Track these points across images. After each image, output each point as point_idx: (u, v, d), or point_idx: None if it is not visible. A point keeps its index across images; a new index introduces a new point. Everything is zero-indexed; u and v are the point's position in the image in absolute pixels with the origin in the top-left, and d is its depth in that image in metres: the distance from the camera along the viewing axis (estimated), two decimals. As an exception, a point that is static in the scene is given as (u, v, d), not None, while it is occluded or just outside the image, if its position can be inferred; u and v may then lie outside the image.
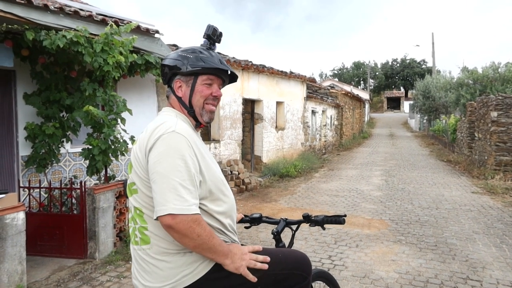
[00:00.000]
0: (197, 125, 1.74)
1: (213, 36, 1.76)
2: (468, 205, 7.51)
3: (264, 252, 1.71)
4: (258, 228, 5.64)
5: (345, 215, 2.10)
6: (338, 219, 2.08)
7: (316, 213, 6.71)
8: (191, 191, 1.46)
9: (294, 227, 2.21)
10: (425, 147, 20.89)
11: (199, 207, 1.51)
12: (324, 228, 2.17)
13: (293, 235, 2.20)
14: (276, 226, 2.13)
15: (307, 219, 2.14)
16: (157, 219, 1.46)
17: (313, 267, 1.93)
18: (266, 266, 1.62)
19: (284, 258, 1.75)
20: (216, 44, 1.79)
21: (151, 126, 1.58)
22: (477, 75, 16.72)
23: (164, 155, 1.46)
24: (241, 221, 2.20)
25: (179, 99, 1.71)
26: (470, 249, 5.01)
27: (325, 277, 2.35)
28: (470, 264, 4.52)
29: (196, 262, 1.54)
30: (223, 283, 1.57)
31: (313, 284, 2.28)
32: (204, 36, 1.77)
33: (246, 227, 2.27)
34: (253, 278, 1.58)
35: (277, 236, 2.08)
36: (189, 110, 1.70)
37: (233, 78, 1.84)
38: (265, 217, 2.23)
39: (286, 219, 2.18)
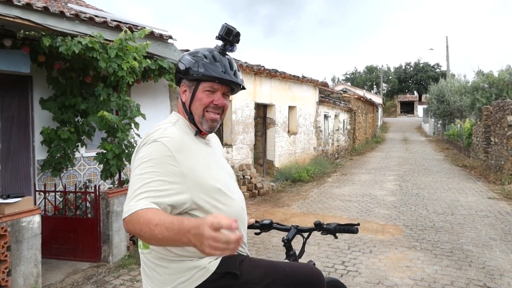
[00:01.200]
0: (197, 132, 1.64)
1: (227, 37, 1.62)
2: (484, 210, 7.37)
3: (268, 266, 1.62)
4: (270, 233, 5.62)
5: (358, 224, 2.02)
6: (351, 228, 2.00)
7: (329, 218, 6.68)
8: (147, 191, 1.35)
9: (305, 234, 2.15)
10: (440, 151, 20.60)
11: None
12: (336, 237, 2.11)
13: (304, 243, 2.14)
14: (287, 233, 2.08)
15: (319, 227, 2.08)
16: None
17: (324, 275, 1.83)
18: (225, 253, 1.17)
19: (293, 273, 1.62)
20: (236, 44, 1.66)
21: (145, 134, 1.59)
22: (492, 78, 16.48)
23: (140, 162, 1.44)
24: (251, 227, 2.13)
25: (183, 104, 1.65)
26: (487, 256, 4.91)
27: (337, 286, 2.29)
28: (487, 271, 4.43)
29: (193, 270, 1.48)
30: None
31: None
32: (217, 37, 1.63)
33: (257, 234, 2.22)
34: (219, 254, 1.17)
35: (287, 243, 2.03)
36: (189, 116, 1.63)
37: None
38: (275, 223, 2.18)
39: (297, 226, 2.12)
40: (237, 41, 1.65)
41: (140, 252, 1.60)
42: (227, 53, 1.67)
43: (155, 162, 1.42)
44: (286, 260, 2.02)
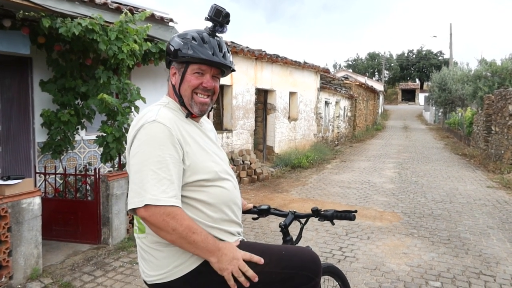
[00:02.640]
0: (187, 115, 1.64)
1: (217, 18, 1.59)
2: (482, 199, 7.41)
3: (263, 249, 1.61)
4: (268, 219, 5.65)
5: (355, 211, 2.00)
6: (348, 215, 1.98)
7: (327, 205, 6.72)
8: (171, 181, 1.41)
9: (302, 220, 2.15)
10: (440, 140, 20.60)
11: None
12: (333, 223, 2.09)
13: (301, 229, 2.13)
14: (284, 219, 2.08)
15: (316, 213, 2.07)
16: (132, 210, 1.42)
17: (322, 261, 1.84)
18: (247, 284, 1.48)
19: (289, 256, 1.62)
20: (226, 26, 1.63)
21: (136, 118, 1.57)
22: (495, 67, 16.37)
23: (144, 145, 1.43)
24: (249, 212, 2.14)
25: (173, 86, 1.64)
26: (484, 244, 4.95)
27: (333, 271, 2.30)
28: (484, 259, 4.47)
29: (188, 253, 1.49)
30: (217, 277, 1.49)
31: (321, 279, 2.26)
32: (206, 18, 1.61)
33: (254, 218, 2.22)
34: (233, 286, 1.47)
35: (284, 229, 2.03)
36: (179, 99, 1.63)
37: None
38: (273, 209, 2.18)
39: (295, 212, 2.12)
40: (227, 22, 1.63)
41: (136, 236, 1.62)
42: (217, 34, 1.64)
43: (163, 144, 1.43)
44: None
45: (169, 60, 1.66)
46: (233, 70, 1.72)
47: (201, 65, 1.59)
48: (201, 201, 1.53)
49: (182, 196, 1.48)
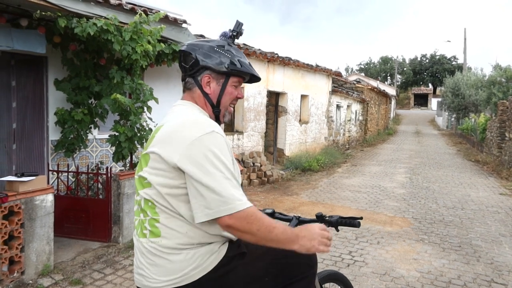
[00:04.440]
0: (219, 123, 1.68)
1: (238, 34, 1.71)
2: (495, 206, 7.30)
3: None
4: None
5: (361, 218, 1.96)
6: (353, 222, 1.92)
7: (337, 208, 6.69)
8: (239, 188, 1.45)
9: None
10: (452, 146, 20.36)
11: None
12: (338, 230, 2.04)
13: None
14: (288, 223, 2.05)
15: (320, 219, 2.03)
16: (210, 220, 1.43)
17: (327, 268, 1.87)
18: (328, 250, 1.60)
19: (291, 251, 1.70)
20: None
21: (178, 123, 1.51)
22: (510, 73, 16.14)
23: (211, 157, 1.41)
24: None
25: (206, 95, 1.63)
26: (495, 252, 4.87)
27: (338, 278, 2.27)
28: (495, 267, 4.40)
29: (206, 255, 1.49)
30: (233, 277, 1.53)
31: (325, 286, 2.22)
32: (231, 32, 1.69)
33: None
34: (327, 249, 1.59)
35: None
36: (215, 110, 1.65)
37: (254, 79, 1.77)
38: (278, 213, 2.16)
39: (299, 217, 2.09)
40: (238, 38, 1.74)
41: (144, 241, 1.52)
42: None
43: (227, 154, 1.46)
44: None
45: (200, 67, 1.61)
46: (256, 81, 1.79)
47: (241, 78, 1.66)
48: None
49: None
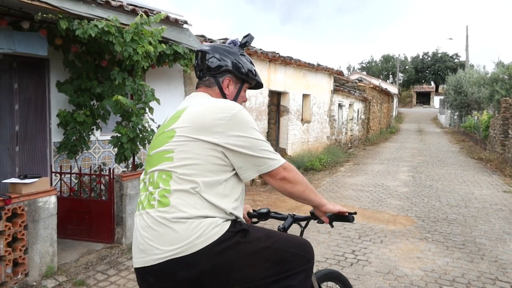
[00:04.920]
0: None
1: (247, 45, 1.92)
2: (499, 204, 7.27)
3: (267, 230, 1.76)
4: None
5: (355, 213, 1.95)
6: (346, 217, 1.92)
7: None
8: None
9: (303, 223, 2.12)
10: (455, 143, 20.29)
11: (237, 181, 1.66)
12: (332, 226, 2.01)
13: (301, 232, 2.10)
14: (283, 222, 2.06)
15: (314, 215, 2.01)
16: (260, 175, 1.65)
17: (325, 267, 1.90)
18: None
19: (288, 238, 1.81)
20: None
21: (211, 104, 1.66)
22: (513, 70, 16.06)
23: (250, 125, 1.63)
24: (248, 215, 2.14)
25: (224, 96, 1.81)
26: (500, 250, 4.85)
27: (336, 277, 2.26)
28: (500, 265, 4.38)
29: (210, 225, 1.52)
30: (238, 251, 1.57)
31: (324, 285, 2.21)
32: (244, 42, 1.91)
33: (254, 222, 2.18)
34: (343, 210, 1.88)
35: (283, 232, 1.99)
36: None
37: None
38: (273, 212, 2.16)
39: (294, 215, 2.10)
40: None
41: (151, 212, 1.56)
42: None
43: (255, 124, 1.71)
44: None
45: (224, 70, 1.80)
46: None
47: (249, 84, 1.91)
48: (241, 184, 1.70)
49: (234, 176, 1.65)
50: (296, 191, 1.71)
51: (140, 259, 1.56)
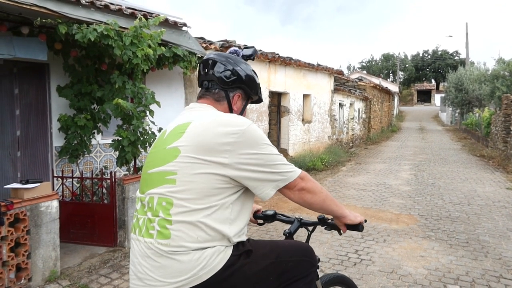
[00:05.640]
0: None
1: (252, 58, 1.87)
2: (502, 201, 7.25)
3: (271, 243, 1.73)
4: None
5: (365, 221, 1.90)
6: (356, 226, 1.84)
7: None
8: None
9: (309, 228, 2.07)
10: (457, 141, 20.25)
11: (240, 199, 1.55)
12: (340, 233, 1.96)
13: (308, 237, 2.06)
14: (290, 226, 2.01)
15: (322, 221, 1.97)
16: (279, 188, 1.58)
17: (333, 267, 1.89)
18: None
19: (291, 246, 1.78)
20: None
21: (220, 119, 1.55)
22: (514, 66, 16.02)
23: (262, 142, 1.55)
24: (254, 216, 2.11)
25: (231, 111, 1.72)
26: (504, 247, 4.84)
27: (343, 281, 2.24)
28: (504, 262, 4.37)
29: (214, 254, 1.45)
30: (239, 277, 1.51)
31: None
32: (249, 55, 1.84)
33: (260, 224, 2.15)
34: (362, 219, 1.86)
35: (289, 237, 1.96)
36: None
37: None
38: (279, 214, 2.10)
39: (301, 219, 2.05)
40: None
41: (149, 242, 1.47)
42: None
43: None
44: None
45: (237, 85, 1.73)
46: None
47: (252, 100, 1.86)
48: (248, 203, 1.62)
49: (241, 196, 1.55)
50: (316, 201, 1.63)
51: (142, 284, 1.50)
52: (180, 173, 1.47)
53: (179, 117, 1.69)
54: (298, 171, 1.60)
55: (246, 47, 1.89)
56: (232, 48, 1.84)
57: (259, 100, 1.90)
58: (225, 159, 1.46)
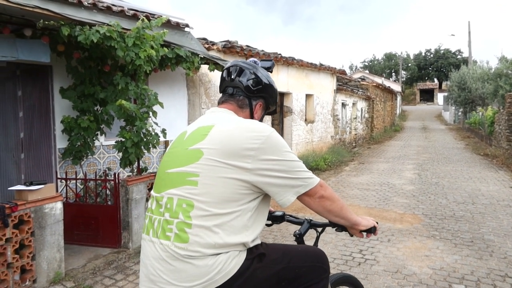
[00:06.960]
0: None
1: (270, 71, 1.90)
2: (506, 200, 7.22)
3: (283, 248, 1.72)
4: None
5: (376, 223, 1.89)
6: (369, 229, 1.83)
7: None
8: None
9: (319, 229, 2.06)
10: (460, 140, 20.19)
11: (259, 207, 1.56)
12: (352, 235, 1.93)
13: (317, 238, 2.04)
14: (300, 227, 1.99)
15: (333, 223, 1.92)
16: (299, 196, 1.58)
17: (338, 268, 1.90)
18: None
19: (304, 252, 1.77)
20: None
21: (243, 125, 1.56)
22: (517, 64, 15.95)
23: (284, 149, 1.55)
24: None
25: (252, 116, 1.77)
26: (509, 246, 4.81)
27: (350, 281, 2.23)
28: (509, 261, 4.34)
29: (229, 258, 1.45)
30: (251, 283, 1.50)
31: None
32: (267, 67, 1.88)
33: (268, 225, 2.10)
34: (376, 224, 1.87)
35: (299, 238, 1.95)
36: None
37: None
38: (288, 215, 2.08)
39: (311, 220, 2.03)
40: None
41: (169, 244, 1.45)
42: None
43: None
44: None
45: (261, 95, 1.78)
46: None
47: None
48: (265, 209, 1.62)
49: (260, 203, 1.56)
50: (334, 209, 1.65)
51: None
52: (203, 175, 1.47)
53: (201, 119, 1.70)
54: (317, 179, 1.60)
55: (264, 59, 1.92)
56: (251, 59, 1.85)
57: (274, 111, 1.94)
58: (248, 164, 1.47)
